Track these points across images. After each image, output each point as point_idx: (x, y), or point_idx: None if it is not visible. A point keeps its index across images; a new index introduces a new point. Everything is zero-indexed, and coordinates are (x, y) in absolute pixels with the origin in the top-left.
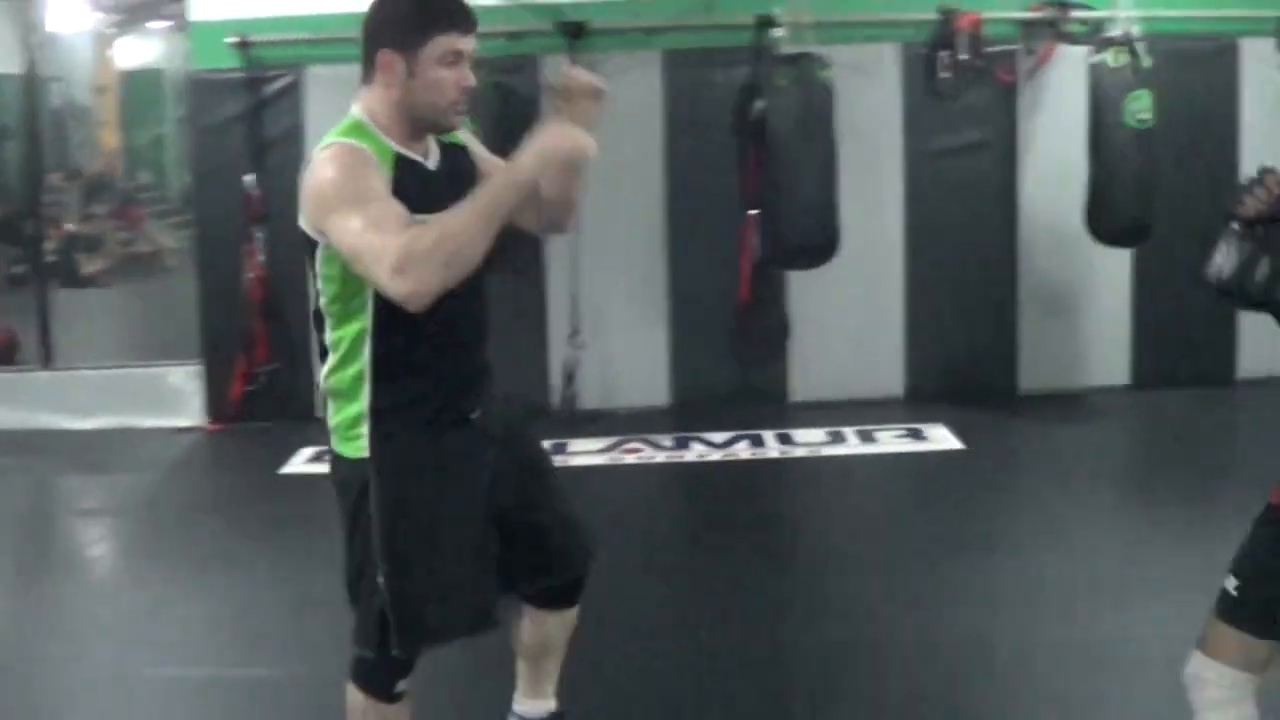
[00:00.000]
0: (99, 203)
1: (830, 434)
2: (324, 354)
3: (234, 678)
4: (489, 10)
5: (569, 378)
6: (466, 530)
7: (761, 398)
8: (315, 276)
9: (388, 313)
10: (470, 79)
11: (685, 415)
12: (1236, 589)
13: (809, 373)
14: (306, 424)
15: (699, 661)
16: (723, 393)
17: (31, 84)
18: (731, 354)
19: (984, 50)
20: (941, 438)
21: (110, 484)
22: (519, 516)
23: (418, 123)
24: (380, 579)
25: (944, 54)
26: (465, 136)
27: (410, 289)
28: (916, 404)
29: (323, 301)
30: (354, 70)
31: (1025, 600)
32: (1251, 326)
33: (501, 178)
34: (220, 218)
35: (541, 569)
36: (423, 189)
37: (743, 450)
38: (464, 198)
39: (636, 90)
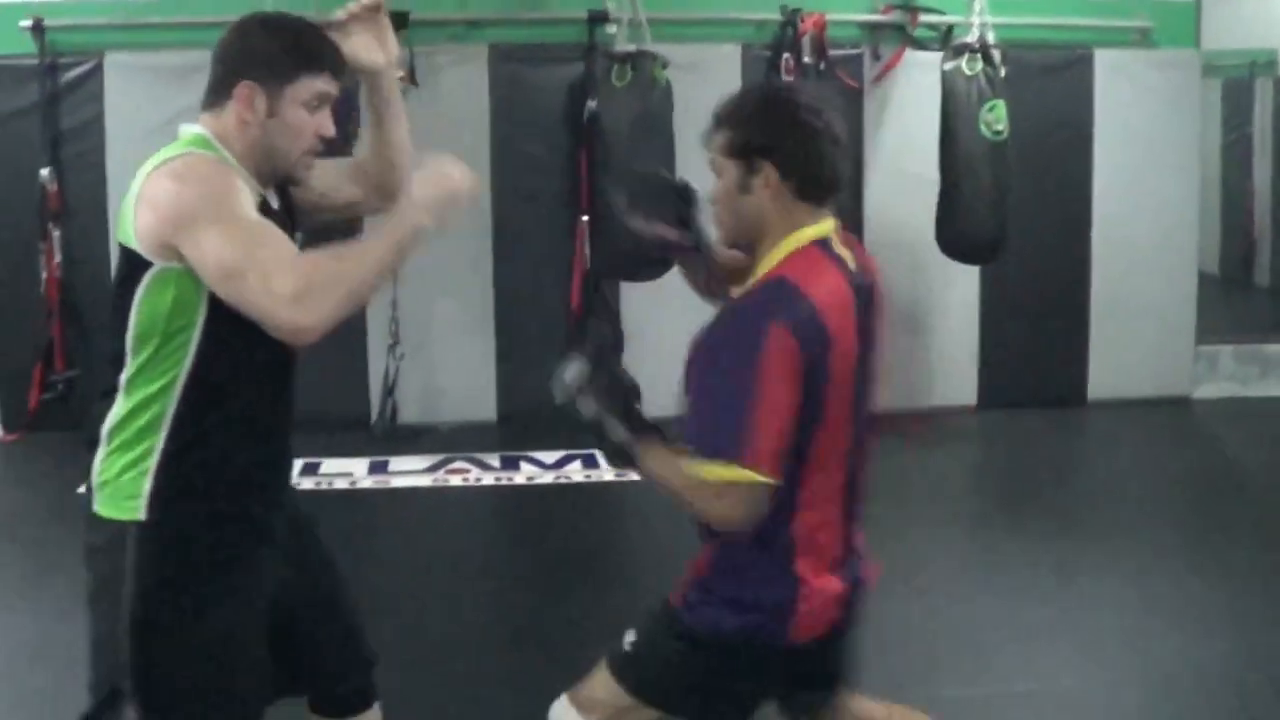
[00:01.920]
0: None
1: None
2: (108, 393)
3: None
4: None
5: (389, 390)
6: (241, 632)
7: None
8: (129, 305)
9: (211, 361)
10: (330, 128)
11: (513, 431)
12: (632, 645)
13: (644, 384)
14: None
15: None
16: (553, 407)
17: None
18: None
19: (828, 53)
20: None
21: None
22: (302, 619)
23: (264, 165)
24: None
25: (786, 56)
26: None
27: (308, 321)
28: None
29: (130, 335)
30: (159, 58)
31: (868, 651)
32: (1102, 348)
33: (406, 226)
34: (13, 215)
35: (319, 677)
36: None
37: (575, 472)
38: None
39: (461, 86)
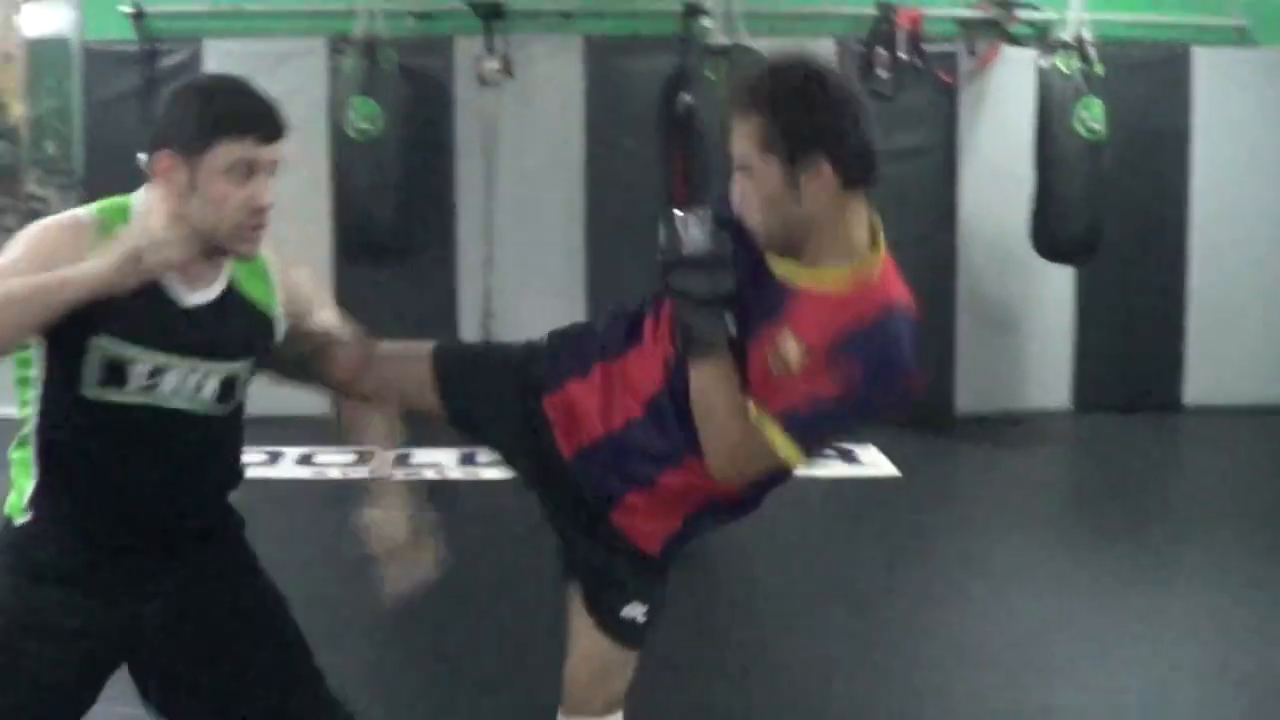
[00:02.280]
0: None
1: None
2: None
3: None
4: None
5: None
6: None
7: None
8: None
9: (52, 400)
10: (264, 198)
11: None
12: (646, 614)
13: None
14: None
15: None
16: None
17: None
18: None
19: (923, 49)
20: (873, 461)
21: None
22: (208, 673)
23: (203, 241)
24: None
25: (881, 51)
26: (281, 286)
27: None
28: None
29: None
30: (256, 45)
31: (950, 661)
32: (1200, 353)
33: (76, 273)
34: (113, 196)
35: None
36: (157, 322)
37: None
38: (229, 344)
39: (556, 78)
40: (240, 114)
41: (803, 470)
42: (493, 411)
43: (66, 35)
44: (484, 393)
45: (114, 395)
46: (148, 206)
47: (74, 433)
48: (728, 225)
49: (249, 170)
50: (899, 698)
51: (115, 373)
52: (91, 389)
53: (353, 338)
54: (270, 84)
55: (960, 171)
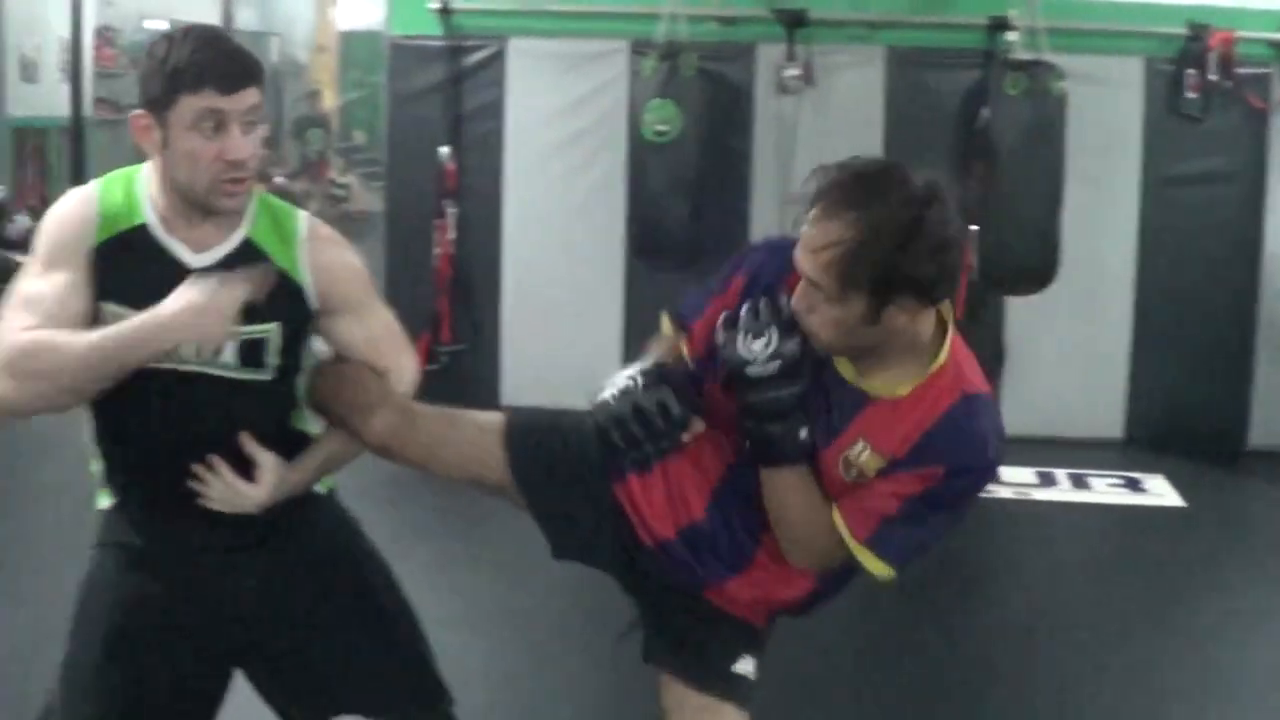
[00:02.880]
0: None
1: (1040, 475)
2: None
3: None
4: None
5: None
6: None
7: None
8: None
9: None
10: (239, 149)
11: None
12: (755, 671)
13: (1022, 405)
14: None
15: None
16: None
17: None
18: None
19: (1235, 72)
20: (1161, 491)
21: None
22: (267, 666)
23: (187, 203)
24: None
25: (1191, 73)
26: (309, 256)
27: (9, 396)
28: (1135, 450)
29: None
30: (560, 45)
31: (1232, 699)
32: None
33: (146, 331)
34: (413, 189)
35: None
36: (160, 286)
37: None
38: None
39: (856, 88)
40: (197, 65)
41: (1083, 498)
42: (568, 494)
43: (376, 29)
44: (560, 472)
45: None
46: (147, 172)
47: (111, 406)
48: (793, 324)
49: (218, 123)
50: None
51: None
52: None
53: (391, 400)
54: (572, 84)
55: (1268, 198)
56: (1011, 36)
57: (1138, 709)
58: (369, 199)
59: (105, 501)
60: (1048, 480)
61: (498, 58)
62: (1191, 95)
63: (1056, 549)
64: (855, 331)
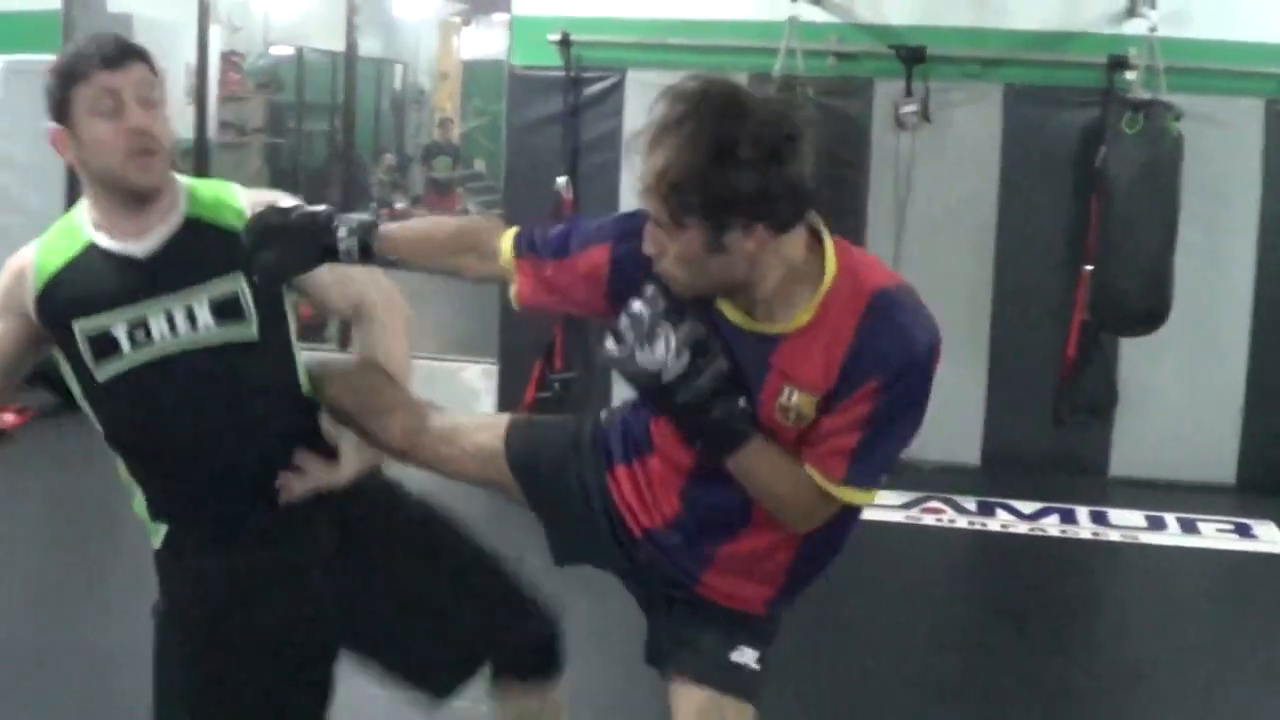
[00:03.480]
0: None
1: (1149, 518)
2: None
3: None
4: (822, 27)
5: None
6: (241, 679)
7: (1078, 468)
8: None
9: (91, 403)
10: (139, 118)
11: (994, 478)
12: (759, 660)
13: (1132, 447)
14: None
15: None
16: (1037, 458)
17: (350, 63)
18: (1050, 418)
19: None
20: (1272, 538)
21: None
22: (374, 623)
23: (117, 194)
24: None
25: None
26: (240, 192)
27: None
28: (1247, 495)
29: None
30: (677, 77)
31: None
32: None
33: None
34: (530, 218)
35: (471, 638)
36: (116, 284)
37: (1051, 525)
38: (198, 268)
39: (973, 125)
40: (79, 56)
41: (1192, 543)
42: (568, 492)
43: (498, 58)
44: (559, 470)
45: (119, 365)
46: (83, 200)
47: (123, 420)
48: (679, 305)
49: (114, 102)
50: None
51: (104, 345)
52: (100, 371)
53: (405, 401)
54: None
55: None
56: (1130, 75)
57: None
58: None
59: (157, 539)
60: (1156, 524)
61: (617, 89)
62: None
63: (1163, 594)
64: (708, 265)
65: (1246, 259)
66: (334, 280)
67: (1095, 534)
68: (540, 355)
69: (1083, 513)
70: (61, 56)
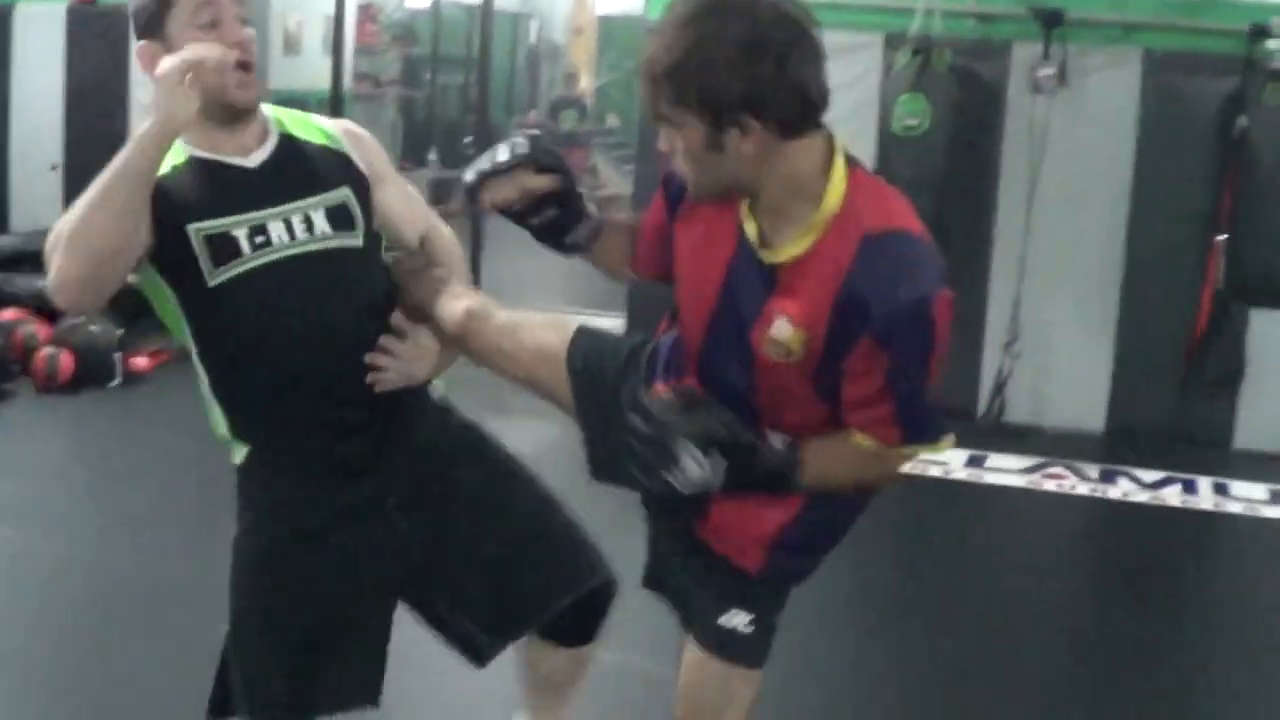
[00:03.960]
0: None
1: (1272, 492)
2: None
3: None
4: None
5: (999, 387)
6: (321, 606)
7: (1202, 440)
8: None
9: (192, 312)
10: (239, 33)
11: (1117, 445)
12: (752, 623)
13: (1258, 420)
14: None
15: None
16: (1161, 427)
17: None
18: (1177, 387)
19: None
20: None
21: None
22: (439, 565)
23: (214, 111)
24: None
25: None
26: (341, 132)
27: (50, 281)
28: None
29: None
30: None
31: None
32: None
33: (136, 138)
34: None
35: (527, 603)
36: (232, 191)
37: (1172, 495)
38: (309, 180)
39: (1110, 90)
40: None
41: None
42: (612, 405)
43: (635, 13)
44: (608, 381)
45: (236, 268)
46: None
47: (228, 327)
48: (691, 409)
49: (212, 15)
50: None
51: (223, 247)
52: (214, 275)
53: (468, 290)
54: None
55: None
56: (1272, 45)
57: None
58: (620, 182)
59: (240, 455)
60: (1279, 498)
61: None
62: None
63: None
64: (711, 163)
65: None
66: (405, 208)
67: (1216, 505)
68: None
69: (1204, 484)
70: None
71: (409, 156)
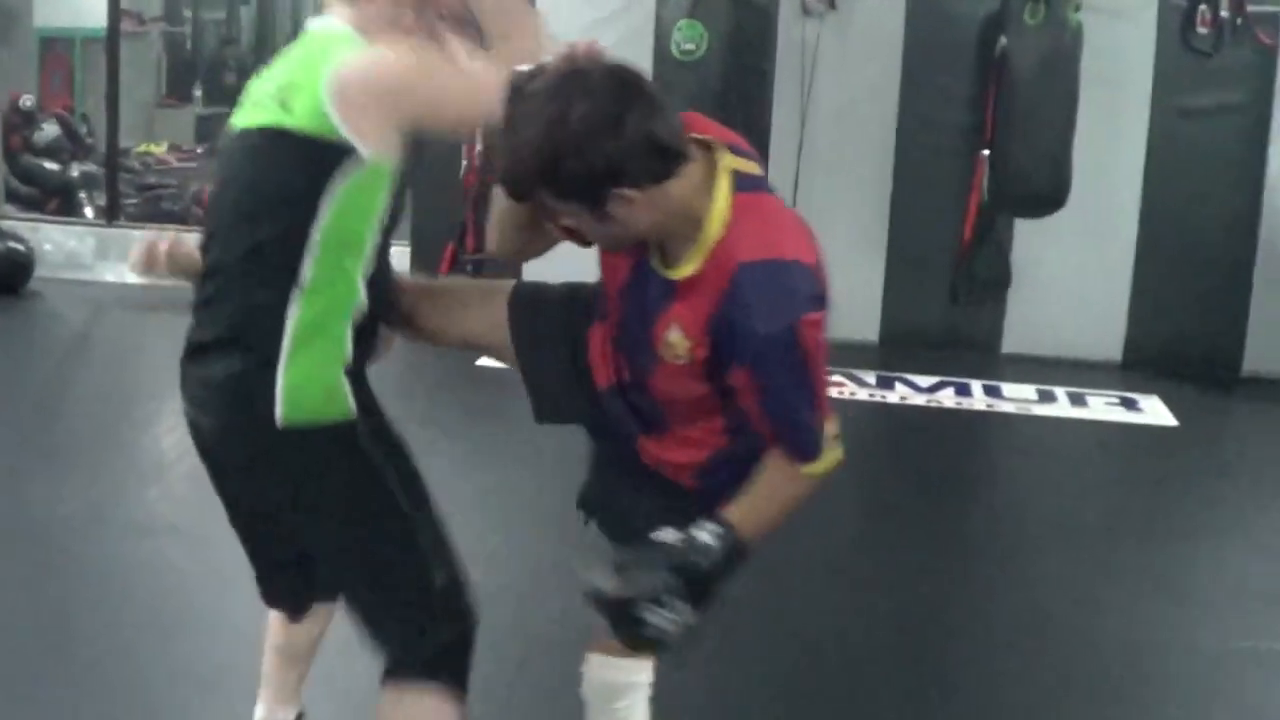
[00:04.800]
0: None
1: (1040, 392)
2: (278, 278)
3: None
4: None
5: None
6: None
7: (973, 345)
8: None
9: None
10: None
11: (893, 354)
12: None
13: (1024, 325)
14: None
15: (846, 617)
16: (934, 335)
17: None
18: (947, 296)
19: (1246, 9)
20: (1155, 411)
21: None
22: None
23: None
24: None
25: (1203, 8)
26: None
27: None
28: (1132, 371)
29: (332, 215)
30: None
31: (1213, 602)
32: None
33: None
34: None
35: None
36: None
37: (947, 398)
38: None
39: (877, 13)
40: None
41: (1081, 414)
42: (556, 349)
43: None
44: (552, 327)
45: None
46: (362, 27)
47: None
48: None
49: None
50: (1148, 630)
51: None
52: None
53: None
54: (600, 4)
55: (1272, 133)
56: None
57: (1117, 613)
58: None
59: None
60: (1047, 397)
61: None
62: (1203, 30)
63: (1055, 462)
64: (606, 229)
65: (1137, 146)
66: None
67: (989, 406)
68: (452, 238)
69: (977, 386)
70: None
71: (174, 94)
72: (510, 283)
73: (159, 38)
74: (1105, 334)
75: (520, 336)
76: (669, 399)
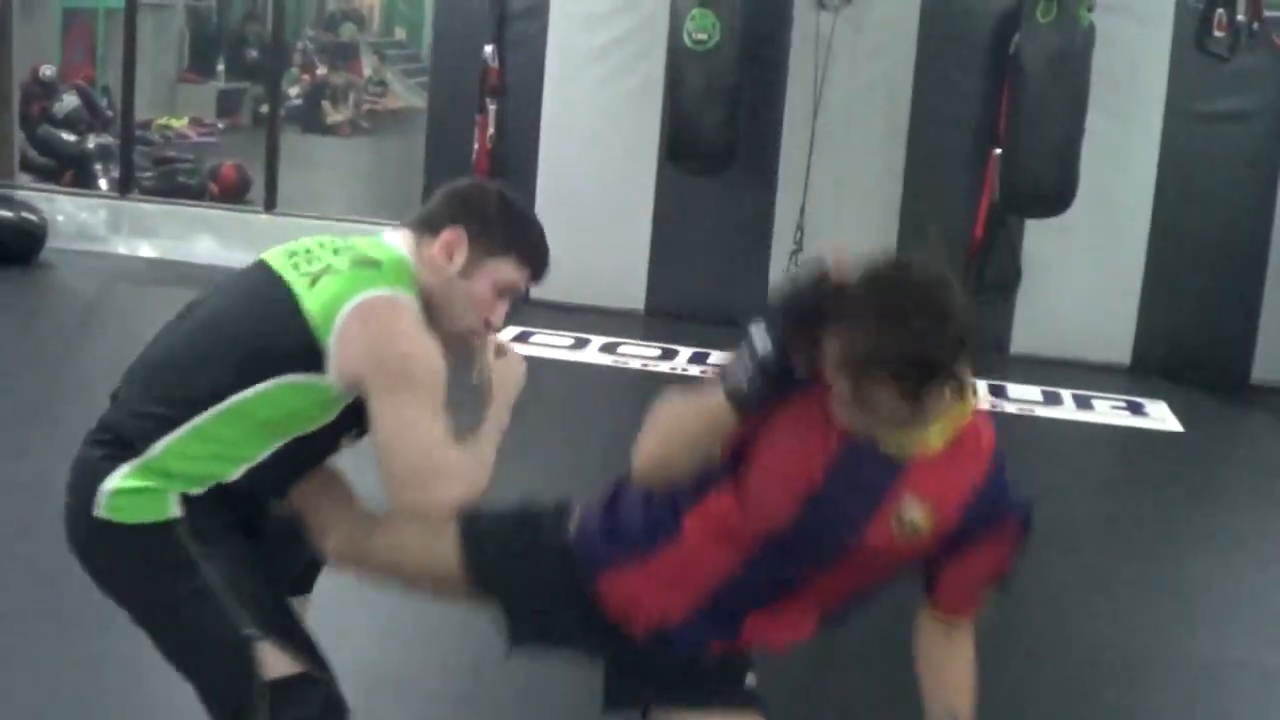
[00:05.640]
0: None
1: (1046, 393)
2: (181, 409)
3: None
4: None
5: None
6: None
7: (980, 345)
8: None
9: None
10: (499, 319)
11: None
12: None
13: (1033, 325)
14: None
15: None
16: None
17: None
18: None
19: (1263, 14)
20: (1161, 416)
21: None
22: None
23: (429, 314)
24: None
25: (1220, 12)
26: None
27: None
28: (1140, 375)
29: (258, 392)
30: None
31: (1209, 611)
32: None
33: (499, 430)
34: (456, 86)
35: None
36: None
37: None
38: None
39: (893, 7)
40: (540, 251)
41: (1086, 418)
42: (534, 587)
43: None
44: (523, 567)
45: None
46: (419, 263)
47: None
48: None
49: (506, 293)
50: (1144, 637)
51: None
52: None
53: (344, 523)
54: None
55: None
56: None
57: (1114, 617)
58: (407, 96)
59: (176, 509)
60: (1053, 399)
61: None
62: (1218, 34)
63: (1057, 464)
64: (864, 419)
65: (1150, 148)
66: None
67: (994, 406)
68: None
69: (982, 386)
70: (530, 222)
71: (196, 68)
72: (450, 525)
73: (183, 11)
74: (1114, 337)
75: (483, 568)
76: (849, 581)
